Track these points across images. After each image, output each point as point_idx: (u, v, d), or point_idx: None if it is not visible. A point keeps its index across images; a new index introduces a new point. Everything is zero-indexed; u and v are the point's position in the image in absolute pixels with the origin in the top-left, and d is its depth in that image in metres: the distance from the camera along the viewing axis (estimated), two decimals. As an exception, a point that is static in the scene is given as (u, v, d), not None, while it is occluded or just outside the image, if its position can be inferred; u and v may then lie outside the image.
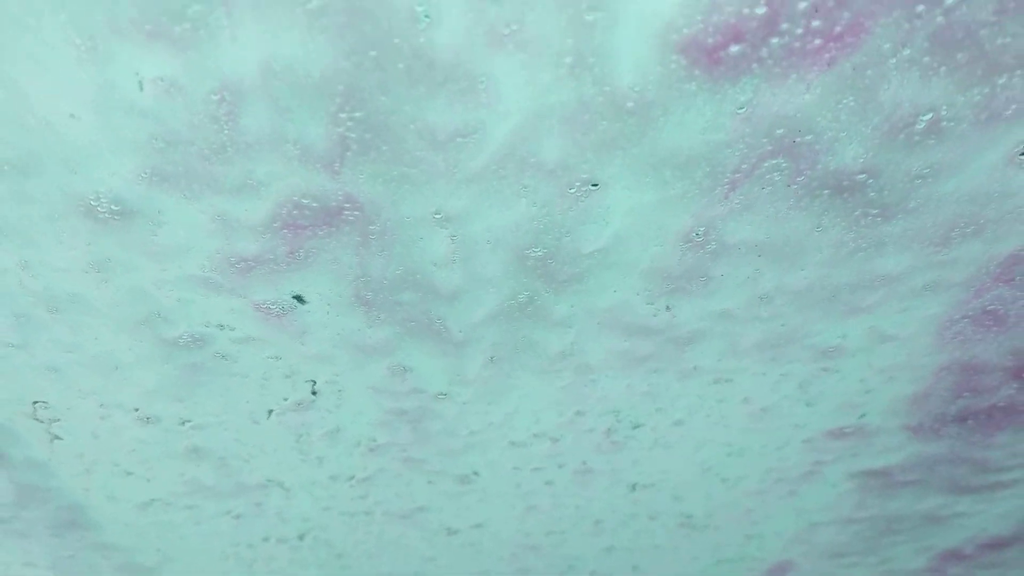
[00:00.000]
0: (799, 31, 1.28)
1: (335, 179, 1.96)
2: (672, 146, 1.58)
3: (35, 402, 3.09)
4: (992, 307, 2.60)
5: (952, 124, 1.50)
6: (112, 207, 2.02)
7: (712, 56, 1.30)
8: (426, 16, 1.41)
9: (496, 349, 2.50)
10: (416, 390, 2.86)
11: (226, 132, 1.80)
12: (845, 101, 1.54)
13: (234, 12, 1.50)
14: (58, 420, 3.11)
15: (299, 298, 2.43)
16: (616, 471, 3.44)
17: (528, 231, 1.98)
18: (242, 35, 1.53)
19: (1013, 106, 1.51)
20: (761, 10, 1.21)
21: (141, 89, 1.63)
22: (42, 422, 3.15)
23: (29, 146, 1.86)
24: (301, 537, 4.09)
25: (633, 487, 3.65)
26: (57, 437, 3.23)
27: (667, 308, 2.08)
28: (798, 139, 1.67)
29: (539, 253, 1.98)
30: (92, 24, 1.54)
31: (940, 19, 1.27)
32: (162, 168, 1.89)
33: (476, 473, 3.32)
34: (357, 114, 1.72)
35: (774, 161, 1.70)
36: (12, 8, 1.52)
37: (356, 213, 2.10)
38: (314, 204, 2.08)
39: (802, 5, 1.23)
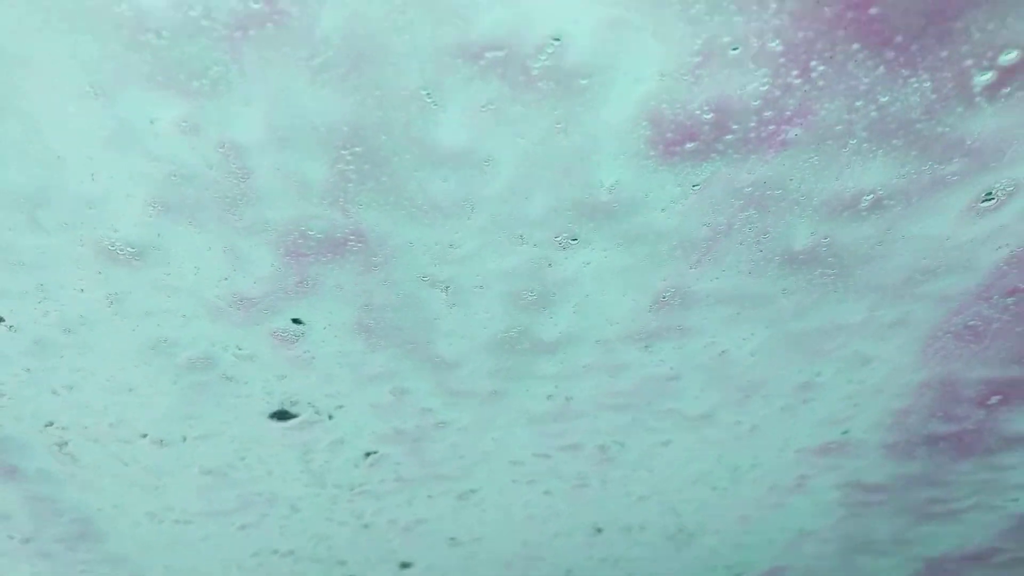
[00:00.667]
0: (752, 124, 1.47)
1: (344, 215, 2.13)
2: (643, 223, 1.77)
3: (49, 423, 3.29)
4: (972, 323, 2.76)
5: (891, 203, 1.68)
6: (127, 246, 2.21)
7: (668, 149, 1.48)
8: (429, 97, 1.60)
9: (493, 377, 2.70)
10: (414, 412, 3.05)
11: (240, 186, 1.99)
12: (809, 160, 1.72)
13: (247, 70, 1.68)
14: (71, 438, 3.31)
15: (297, 320, 2.62)
16: (609, 484, 3.64)
17: (522, 274, 2.17)
18: (254, 92, 1.71)
19: (956, 177, 1.69)
20: (708, 116, 1.40)
21: (152, 129, 1.80)
22: (56, 440, 3.36)
23: (42, 179, 1.96)
24: (300, 549, 4.30)
25: (627, 499, 3.84)
26: (70, 454, 3.43)
27: (646, 347, 2.27)
28: (769, 192, 1.86)
29: (533, 297, 2.18)
30: (102, 73, 1.69)
31: (874, 113, 1.45)
32: (172, 203, 2.05)
33: (473, 491, 3.53)
34: (357, 149, 1.87)
35: (745, 214, 1.89)
36: (24, 50, 1.66)
37: (360, 244, 2.28)
38: (319, 236, 2.26)
39: (754, 103, 1.42)
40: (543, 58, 1.40)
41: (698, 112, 1.41)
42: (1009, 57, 1.38)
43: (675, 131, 1.45)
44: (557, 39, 1.37)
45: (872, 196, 1.67)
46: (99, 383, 2.96)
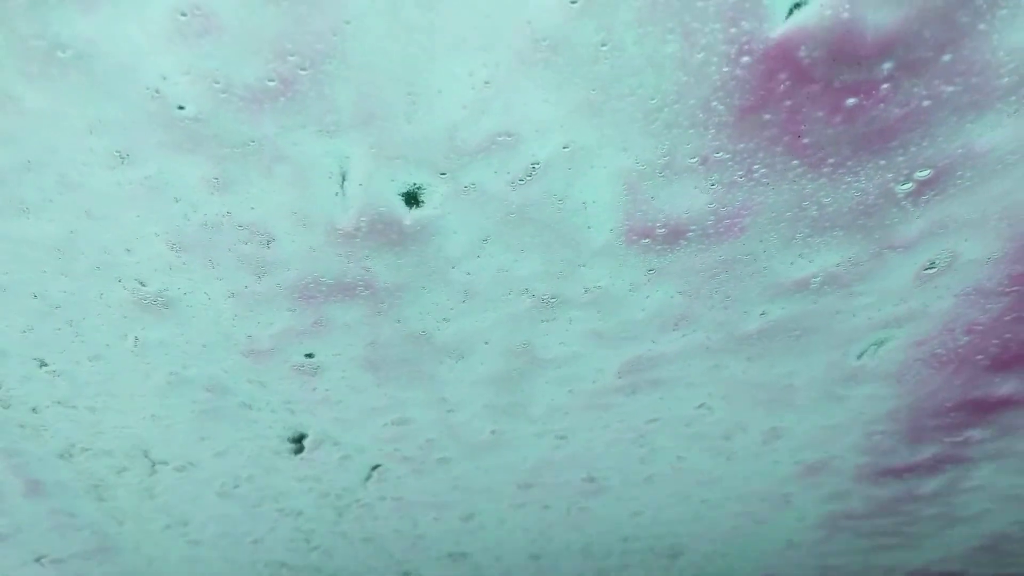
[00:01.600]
0: (710, 221, 1.71)
1: (363, 270, 2.36)
2: (623, 317, 2.01)
3: (72, 444, 3.54)
4: (938, 351, 2.98)
5: (828, 289, 1.92)
6: (156, 295, 2.44)
7: (628, 237, 1.72)
8: (436, 208, 1.84)
9: (489, 412, 2.95)
10: (416, 442, 3.30)
11: (262, 252, 2.23)
12: (768, 238, 1.96)
13: (271, 140, 1.89)
14: (94, 459, 3.55)
15: (310, 355, 2.87)
16: (604, 504, 3.88)
17: (518, 328, 2.42)
18: (274, 164, 1.95)
19: (900, 248, 1.92)
20: (662, 230, 1.64)
21: (178, 190, 2.02)
22: (81, 463, 3.60)
23: (73, 228, 2.19)
24: (305, 561, 4.55)
25: (623, 514, 4.08)
26: (93, 475, 3.67)
27: (633, 391, 2.53)
28: (739, 256, 2.10)
29: (525, 347, 2.43)
30: (128, 139, 1.89)
31: (815, 212, 1.69)
32: (195, 249, 2.27)
33: (471, 516, 3.78)
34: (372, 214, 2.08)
35: (714, 282, 2.13)
36: (59, 111, 1.87)
37: (368, 292, 2.51)
38: (330, 281, 2.50)
39: (709, 205, 1.66)
40: (526, 179, 1.65)
41: (655, 224, 1.65)
42: (923, 174, 1.63)
43: (641, 227, 1.69)
44: (536, 163, 1.62)
45: (820, 278, 1.92)
46: (121, 409, 3.21)
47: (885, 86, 1.39)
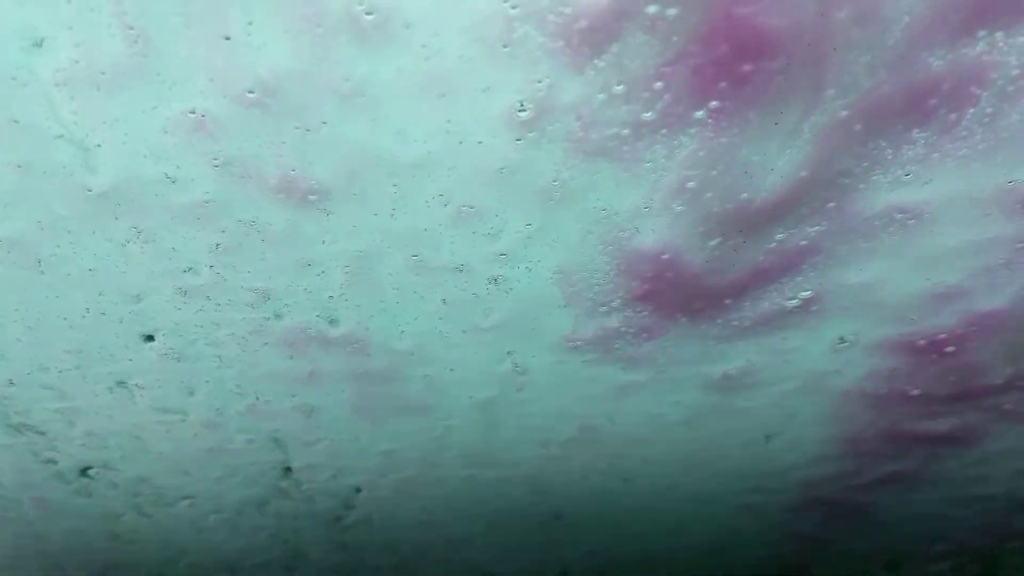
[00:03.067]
0: (631, 332, 2.05)
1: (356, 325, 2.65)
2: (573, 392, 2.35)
3: (84, 471, 3.84)
4: (871, 389, 3.23)
5: (747, 383, 2.25)
6: (163, 343, 2.73)
7: (567, 340, 2.05)
8: (416, 255, 2.15)
9: (464, 457, 3.30)
10: (402, 473, 3.63)
11: (259, 309, 2.53)
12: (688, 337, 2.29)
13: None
14: (101, 486, 3.86)
15: (295, 395, 3.17)
16: (571, 535, 4.24)
17: (492, 383, 2.75)
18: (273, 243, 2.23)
19: (812, 326, 2.26)
20: (580, 341, 1.97)
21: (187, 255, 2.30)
22: (89, 489, 3.90)
23: (81, 281, 2.44)
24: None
25: (592, 544, 4.44)
26: (104, 504, 3.97)
27: (592, 442, 2.89)
28: (667, 345, 2.43)
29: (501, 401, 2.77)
30: (142, 219, 2.12)
31: (717, 330, 2.03)
32: (197, 295, 2.54)
33: (465, 540, 4.14)
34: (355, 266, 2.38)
35: (655, 366, 2.45)
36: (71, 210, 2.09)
37: (353, 346, 2.77)
38: (315, 334, 2.78)
39: (624, 324, 1.99)
40: (496, 270, 1.98)
41: (583, 335, 1.98)
42: (805, 293, 1.96)
43: (575, 333, 2.02)
44: (504, 253, 1.95)
45: (737, 369, 2.26)
46: (128, 440, 3.51)
47: (792, 242, 1.71)
